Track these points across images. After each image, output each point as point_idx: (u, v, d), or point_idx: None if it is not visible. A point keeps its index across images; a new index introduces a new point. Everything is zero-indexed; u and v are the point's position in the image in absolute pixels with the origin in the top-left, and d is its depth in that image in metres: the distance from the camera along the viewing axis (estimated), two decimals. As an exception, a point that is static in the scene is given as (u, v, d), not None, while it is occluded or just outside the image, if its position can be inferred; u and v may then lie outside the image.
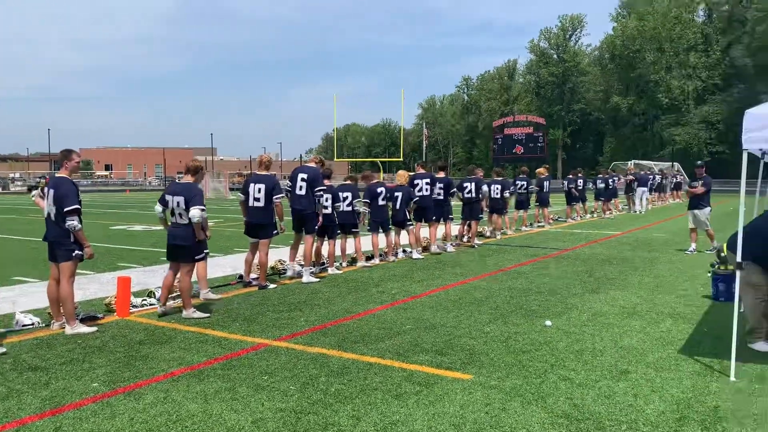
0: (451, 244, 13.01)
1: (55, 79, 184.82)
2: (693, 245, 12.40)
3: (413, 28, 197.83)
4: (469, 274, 9.92)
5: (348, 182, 11.15)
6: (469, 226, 13.73)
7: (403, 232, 11.86)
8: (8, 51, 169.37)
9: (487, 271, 10.22)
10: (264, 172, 8.85)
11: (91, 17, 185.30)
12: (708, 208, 12.27)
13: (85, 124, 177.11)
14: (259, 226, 8.71)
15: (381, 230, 11.24)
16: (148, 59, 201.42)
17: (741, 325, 5.36)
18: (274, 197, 8.61)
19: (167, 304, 7.24)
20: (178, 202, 7.03)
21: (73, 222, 6.23)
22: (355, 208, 10.59)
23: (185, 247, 7.06)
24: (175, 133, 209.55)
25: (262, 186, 8.64)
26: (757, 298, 5.69)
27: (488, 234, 15.39)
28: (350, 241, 11.05)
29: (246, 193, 8.80)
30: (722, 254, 8.12)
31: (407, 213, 11.57)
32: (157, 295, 7.79)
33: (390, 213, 11.44)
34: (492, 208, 15.14)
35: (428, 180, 12.25)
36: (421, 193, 12.08)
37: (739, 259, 5.25)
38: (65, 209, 6.20)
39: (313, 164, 9.67)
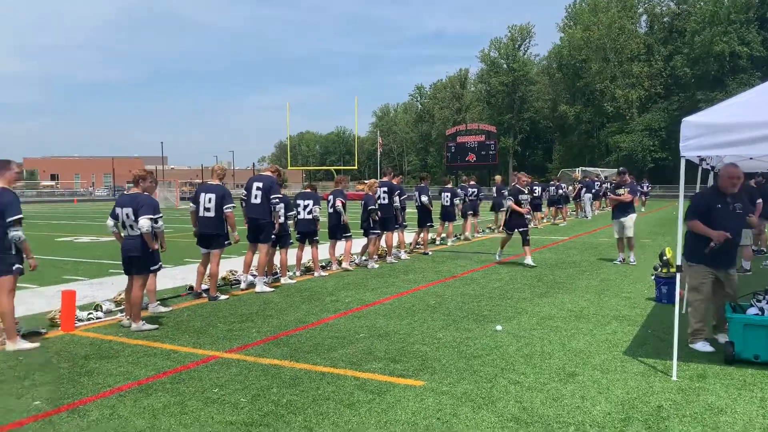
0: (405, 252, 13.09)
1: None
2: (621, 255, 12.03)
3: (366, 36, 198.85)
4: (422, 281, 9.99)
5: (308, 190, 11.10)
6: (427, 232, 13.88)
7: (357, 241, 11.88)
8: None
9: (439, 278, 10.31)
10: (216, 182, 8.74)
11: (34, 23, 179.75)
12: (634, 215, 12.06)
13: (30, 133, 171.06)
14: (210, 236, 8.59)
15: (338, 239, 11.31)
16: (94, 66, 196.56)
17: (682, 325, 5.56)
18: (225, 207, 8.51)
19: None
20: (127, 214, 6.90)
21: (17, 232, 6.03)
22: (314, 215, 10.56)
23: (138, 258, 6.92)
24: (124, 142, 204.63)
25: (212, 196, 8.54)
26: (700, 300, 5.90)
27: (438, 241, 15.54)
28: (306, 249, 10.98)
29: (196, 202, 8.68)
30: (665, 257, 8.42)
31: (370, 221, 11.60)
32: (104, 308, 7.63)
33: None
34: (443, 216, 15.33)
35: (386, 189, 12.32)
36: (380, 202, 12.13)
37: (678, 262, 5.45)
38: (8, 219, 5.99)
39: (269, 173, 9.62)
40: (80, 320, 7.21)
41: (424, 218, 13.68)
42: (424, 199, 13.65)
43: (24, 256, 6.23)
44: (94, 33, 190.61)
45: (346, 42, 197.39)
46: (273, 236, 9.46)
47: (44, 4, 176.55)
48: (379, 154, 78.27)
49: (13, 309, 6.18)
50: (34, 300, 8.45)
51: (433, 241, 15.36)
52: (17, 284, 6.33)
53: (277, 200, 9.29)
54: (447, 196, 15.23)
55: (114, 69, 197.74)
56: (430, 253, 13.65)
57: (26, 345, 6.15)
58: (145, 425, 4.17)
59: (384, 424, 4.16)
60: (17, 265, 6.15)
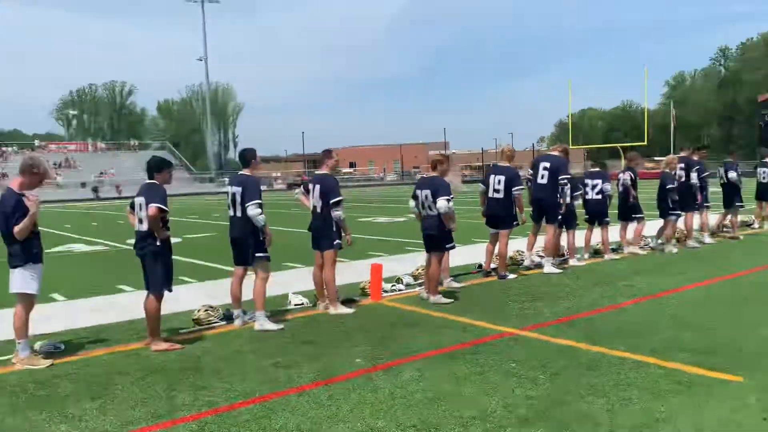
0: (709, 235, 11.75)
1: (308, 87, 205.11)
2: None
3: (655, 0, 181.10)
4: (732, 269, 8.90)
5: (597, 169, 10.66)
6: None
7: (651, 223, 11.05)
8: (269, 68, 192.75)
9: (755, 266, 9.07)
10: (505, 164, 8.90)
11: (332, 28, 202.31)
12: None
13: (332, 127, 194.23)
14: (499, 217, 8.79)
15: (629, 220, 10.71)
16: (381, 62, 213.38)
17: None
18: (514, 189, 8.61)
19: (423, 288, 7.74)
20: (426, 195, 7.42)
21: (338, 212, 6.95)
22: (606, 193, 10.14)
23: (434, 236, 7.42)
24: (410, 130, 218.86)
25: (502, 178, 8.70)
26: None
27: (757, 224, 13.57)
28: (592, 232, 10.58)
29: (486, 184, 8.95)
30: None
31: (669, 201, 10.73)
32: (404, 281, 8.34)
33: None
34: (760, 195, 13.35)
35: (682, 165, 11.21)
36: (680, 180, 11.08)
37: None
38: (331, 201, 6.93)
39: (556, 153, 9.48)
40: (385, 291, 8.01)
41: (732, 198, 12.11)
42: (732, 175, 12.08)
43: (343, 233, 7.14)
44: (380, 31, 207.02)
45: (629, 8, 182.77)
46: (559, 217, 9.31)
47: (342, 10, 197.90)
48: (672, 127, 71.27)
49: (335, 279, 7.13)
50: (346, 272, 9.57)
51: (747, 224, 13.51)
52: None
53: (565, 181, 9.11)
54: (765, 173, 13.22)
55: (397, 63, 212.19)
56: (742, 237, 12.05)
57: (345, 310, 7.06)
58: (450, 389, 4.48)
59: (699, 418, 3.83)
60: (337, 241, 7.07)
